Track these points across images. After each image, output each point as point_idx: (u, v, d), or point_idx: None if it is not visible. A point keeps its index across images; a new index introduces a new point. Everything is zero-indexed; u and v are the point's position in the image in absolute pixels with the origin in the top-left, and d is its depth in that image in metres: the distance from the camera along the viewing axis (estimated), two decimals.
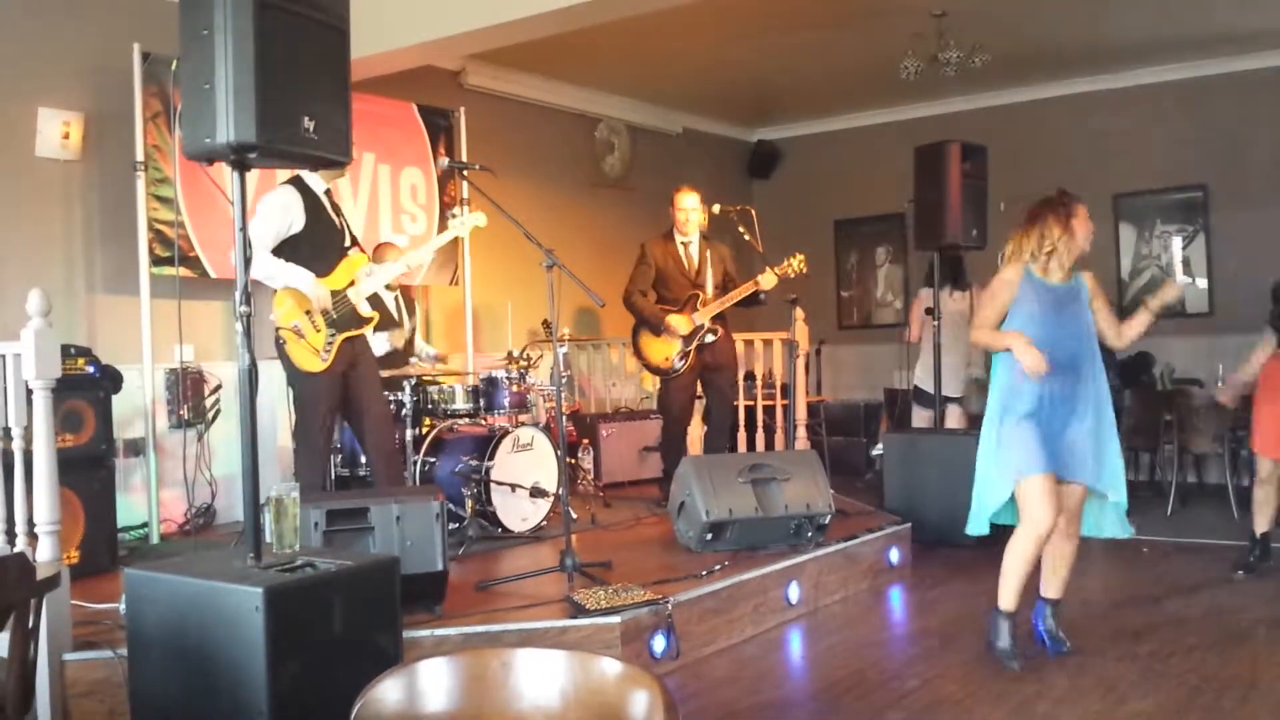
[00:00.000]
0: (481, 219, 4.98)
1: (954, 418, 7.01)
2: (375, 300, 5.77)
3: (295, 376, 4.47)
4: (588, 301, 4.52)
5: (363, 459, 5.32)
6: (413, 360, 5.75)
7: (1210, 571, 5.31)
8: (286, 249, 4.41)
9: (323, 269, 4.46)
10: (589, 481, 6.92)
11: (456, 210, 4.86)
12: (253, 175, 4.87)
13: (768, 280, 5.84)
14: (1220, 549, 5.73)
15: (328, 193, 4.61)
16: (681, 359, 5.93)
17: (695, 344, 5.94)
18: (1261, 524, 5.24)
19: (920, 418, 7.09)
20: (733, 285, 6.03)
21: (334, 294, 4.48)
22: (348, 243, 4.65)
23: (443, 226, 7.05)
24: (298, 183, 4.49)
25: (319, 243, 4.48)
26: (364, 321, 4.59)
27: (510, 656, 1.90)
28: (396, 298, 6.00)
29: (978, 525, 3.96)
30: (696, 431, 6.54)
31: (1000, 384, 3.87)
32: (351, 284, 4.56)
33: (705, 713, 3.51)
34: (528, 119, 8.31)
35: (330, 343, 4.43)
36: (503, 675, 1.89)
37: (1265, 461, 5.20)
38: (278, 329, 4.40)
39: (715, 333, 6.03)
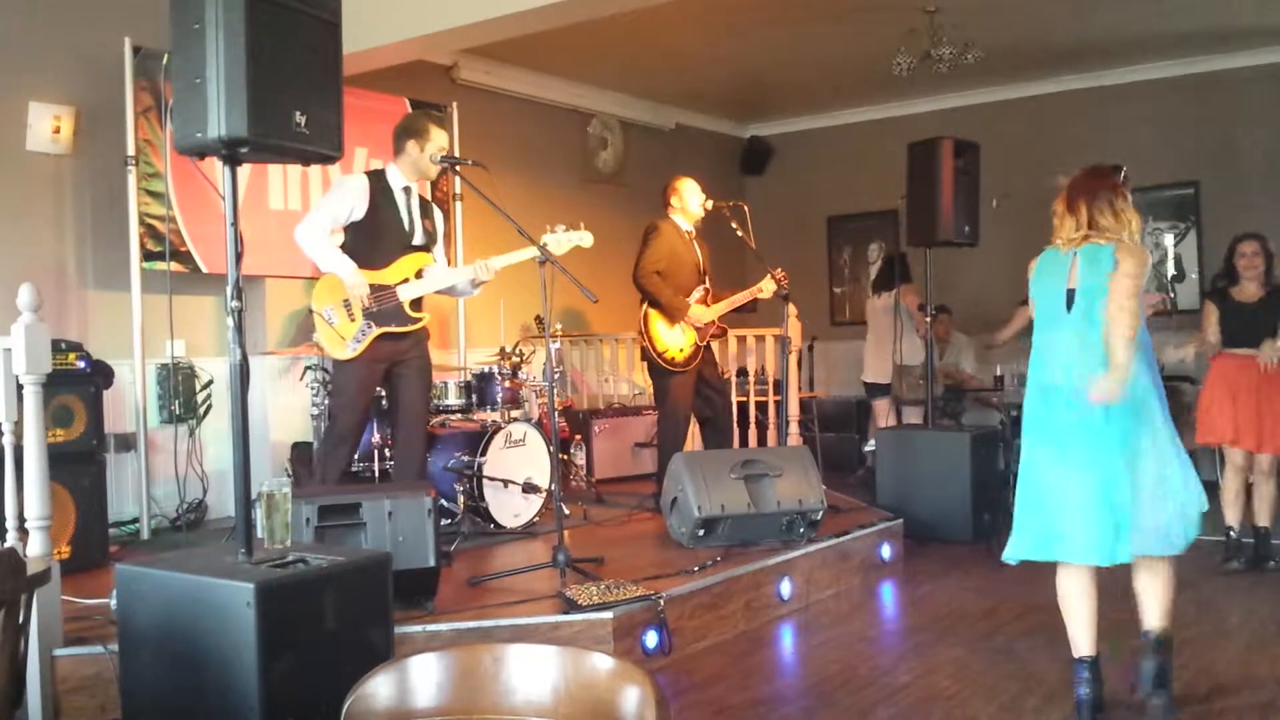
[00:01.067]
0: (588, 239, 4.80)
1: (883, 409, 7.97)
2: None
3: (331, 362, 4.63)
4: (580, 297, 4.50)
5: (356, 454, 5.32)
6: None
7: (1201, 567, 5.32)
8: (349, 235, 4.53)
9: (378, 261, 4.51)
10: (581, 477, 6.92)
11: (562, 225, 4.75)
12: (244, 170, 4.87)
13: (767, 290, 5.79)
14: (1211, 545, 5.73)
15: (406, 189, 4.64)
16: (694, 353, 5.79)
17: (706, 340, 5.84)
18: (1233, 518, 5.36)
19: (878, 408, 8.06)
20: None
21: (381, 288, 4.50)
22: (419, 241, 4.65)
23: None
24: (376, 174, 4.63)
25: (377, 235, 4.54)
26: (410, 320, 4.57)
27: (502, 652, 1.90)
28: None
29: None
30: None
31: (1155, 385, 3.35)
32: (404, 281, 4.57)
33: (697, 708, 3.52)
34: (520, 114, 8.30)
35: (363, 334, 4.44)
36: (494, 671, 1.88)
37: (1236, 453, 5.31)
38: (311, 310, 4.52)
39: (723, 333, 5.99)
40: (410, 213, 4.64)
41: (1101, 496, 3.23)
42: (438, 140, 4.63)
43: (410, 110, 6.95)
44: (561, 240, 4.73)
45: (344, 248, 4.51)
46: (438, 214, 4.90)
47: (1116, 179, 3.42)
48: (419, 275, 4.62)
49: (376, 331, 4.47)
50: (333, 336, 4.46)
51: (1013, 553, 3.42)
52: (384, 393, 4.94)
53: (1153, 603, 3.40)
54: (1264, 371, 5.16)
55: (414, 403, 4.69)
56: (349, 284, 4.42)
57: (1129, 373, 3.19)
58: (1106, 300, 3.23)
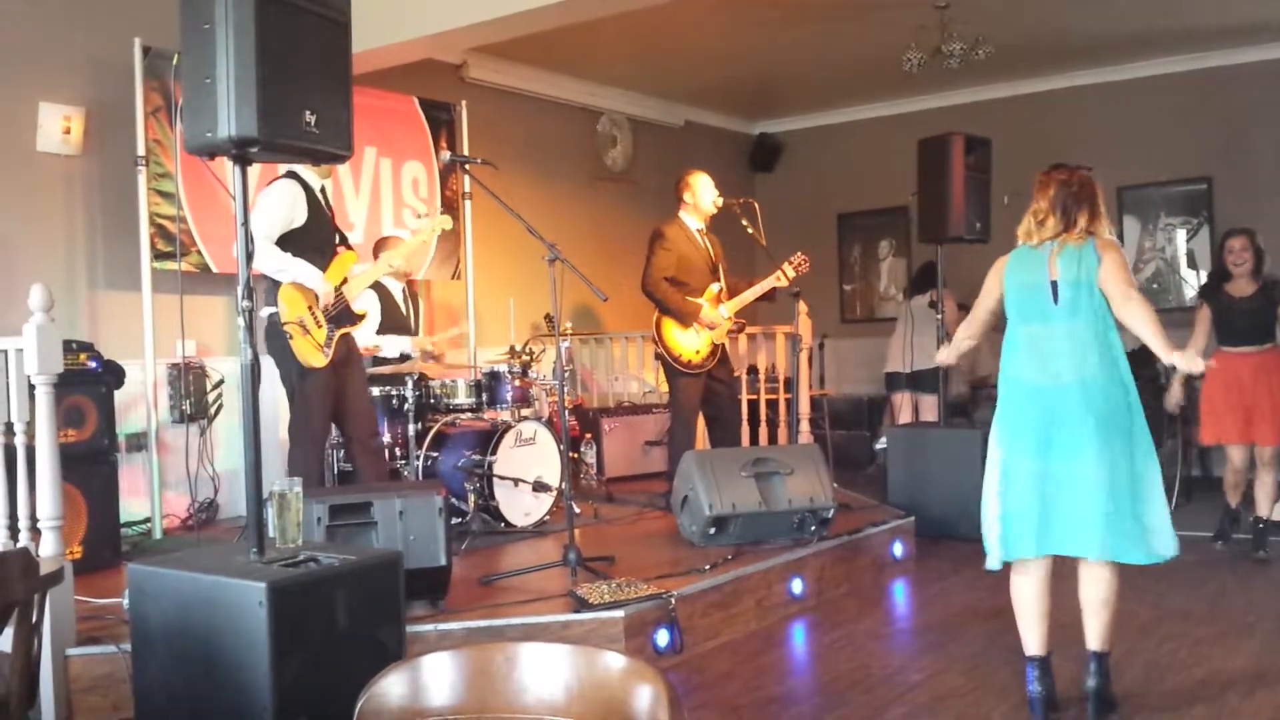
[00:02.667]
0: (449, 222, 5.02)
1: (900, 401, 7.95)
2: (390, 302, 5.78)
3: (297, 372, 4.45)
4: (590, 296, 4.50)
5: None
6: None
7: (1215, 564, 5.30)
8: (286, 243, 4.40)
9: (321, 264, 4.49)
10: (592, 476, 6.91)
11: (424, 211, 4.90)
12: (254, 169, 4.86)
13: (786, 275, 5.75)
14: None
15: (322, 190, 4.62)
16: (711, 353, 5.75)
17: (723, 339, 5.81)
18: (1265, 509, 5.49)
19: (895, 401, 8.03)
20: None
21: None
22: (338, 239, 4.68)
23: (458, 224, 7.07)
24: (296, 177, 4.49)
25: (317, 238, 4.51)
26: (357, 318, 4.63)
27: (514, 651, 1.89)
28: (404, 290, 6.00)
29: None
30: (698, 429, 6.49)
31: (1134, 391, 3.35)
32: (345, 281, 4.58)
33: (708, 707, 3.51)
34: (529, 112, 8.30)
35: (330, 338, 4.44)
36: (506, 670, 1.88)
37: (1236, 449, 5.48)
38: (285, 324, 4.37)
39: (742, 328, 5.96)
40: (329, 212, 4.66)
41: (1087, 490, 3.24)
42: None
43: (418, 109, 6.98)
44: (433, 224, 5.02)
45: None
46: None
47: (1096, 182, 3.42)
48: (350, 274, 4.66)
49: (338, 334, 4.49)
50: (310, 346, 4.40)
51: (1004, 553, 3.37)
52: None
53: (1093, 619, 3.35)
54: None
55: (362, 399, 4.73)
56: (322, 290, 4.41)
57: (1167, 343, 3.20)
58: (1103, 293, 3.26)
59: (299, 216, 4.42)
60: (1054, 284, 3.32)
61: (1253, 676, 3.67)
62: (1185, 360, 3.12)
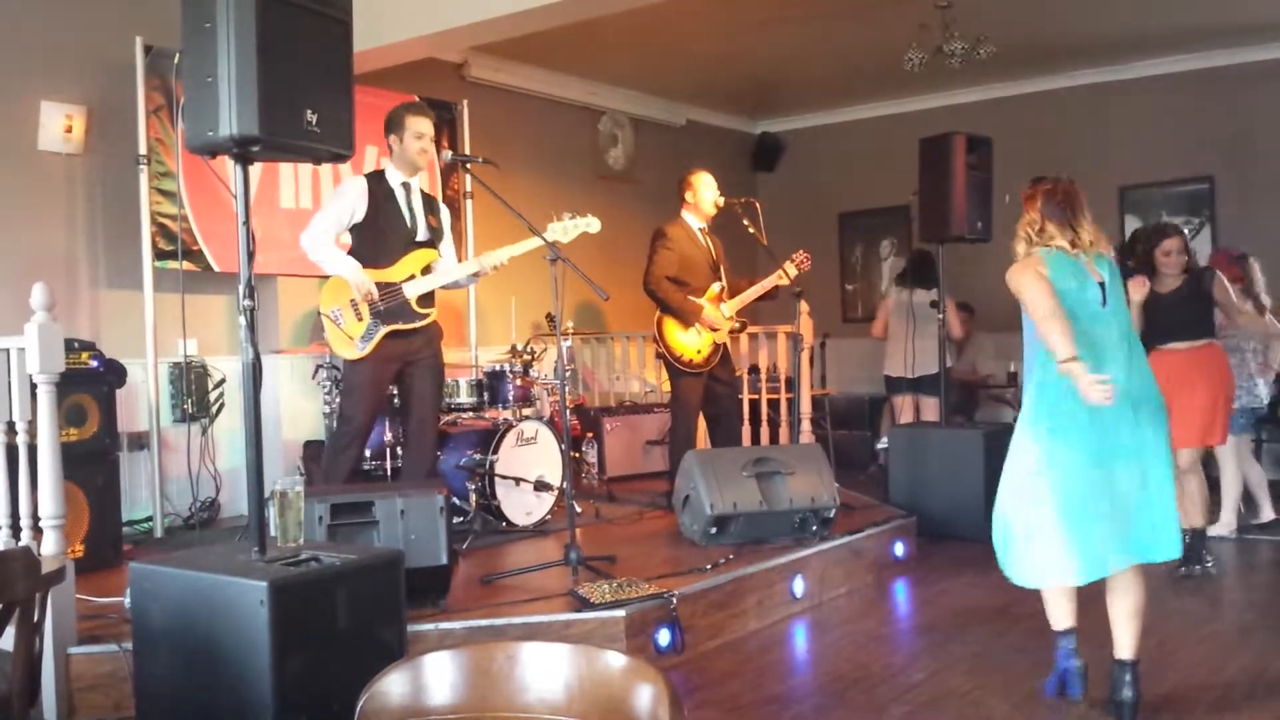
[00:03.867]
0: (595, 224, 4.83)
1: (900, 404, 7.86)
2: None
3: (342, 362, 4.65)
4: (591, 295, 4.50)
5: (368, 452, 5.32)
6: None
7: (1221, 564, 5.30)
8: (354, 236, 4.58)
9: (382, 260, 4.53)
10: (593, 475, 6.91)
11: (569, 213, 4.80)
12: (255, 168, 4.88)
13: (789, 274, 5.74)
14: (1230, 541, 5.72)
15: (405, 185, 4.65)
16: (713, 353, 5.74)
17: (725, 339, 5.81)
18: (1196, 519, 5.12)
19: (896, 403, 7.92)
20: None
21: (387, 286, 4.50)
22: (422, 237, 4.66)
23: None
24: (375, 175, 4.65)
25: (380, 234, 4.56)
26: (418, 316, 4.57)
27: (515, 650, 1.90)
28: None
29: None
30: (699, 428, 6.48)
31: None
32: (410, 278, 4.57)
33: (709, 707, 3.51)
34: (531, 111, 8.30)
35: (371, 333, 4.45)
36: (508, 669, 1.88)
37: (1184, 452, 5.11)
38: (320, 314, 4.56)
39: (744, 327, 5.96)
40: (411, 209, 4.65)
41: (1157, 491, 3.28)
42: (414, 128, 4.60)
43: None
44: (568, 228, 4.77)
45: (351, 249, 4.55)
46: (444, 210, 4.91)
47: (1080, 189, 3.47)
48: (425, 271, 4.62)
49: (384, 330, 4.48)
50: (341, 337, 4.47)
51: (1083, 573, 3.25)
52: (395, 391, 4.94)
53: (1126, 626, 3.29)
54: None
55: (425, 401, 4.70)
56: (353, 283, 4.43)
57: None
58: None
59: (358, 212, 4.53)
60: (1101, 285, 3.36)
61: (1253, 677, 3.67)
62: None
